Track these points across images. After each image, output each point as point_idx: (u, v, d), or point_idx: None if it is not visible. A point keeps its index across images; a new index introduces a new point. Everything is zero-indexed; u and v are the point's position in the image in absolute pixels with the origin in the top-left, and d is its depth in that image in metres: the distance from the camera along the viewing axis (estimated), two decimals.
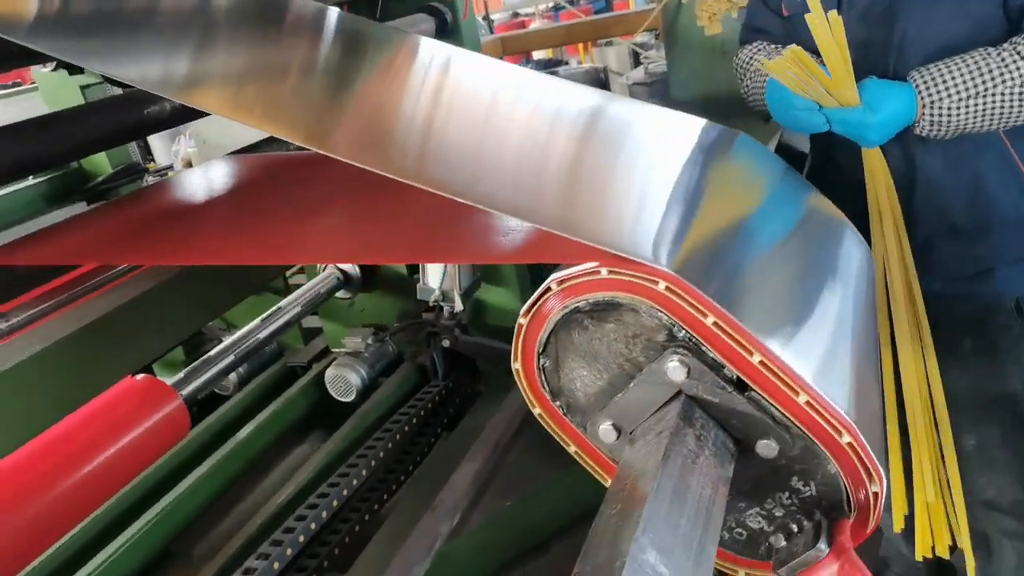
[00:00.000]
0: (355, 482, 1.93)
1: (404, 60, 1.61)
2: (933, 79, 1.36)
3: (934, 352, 1.46)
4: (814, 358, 0.88)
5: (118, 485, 1.59)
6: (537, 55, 7.26)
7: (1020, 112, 1.33)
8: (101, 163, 2.65)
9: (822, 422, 0.82)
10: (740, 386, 0.84)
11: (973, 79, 1.33)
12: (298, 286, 2.42)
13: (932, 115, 1.36)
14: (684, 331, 0.83)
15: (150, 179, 3.09)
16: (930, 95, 1.35)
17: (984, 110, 1.34)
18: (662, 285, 0.82)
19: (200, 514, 2.01)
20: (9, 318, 1.08)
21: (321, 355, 2.69)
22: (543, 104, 1.50)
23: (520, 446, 2.18)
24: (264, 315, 2.16)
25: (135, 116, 1.45)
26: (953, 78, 1.34)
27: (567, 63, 7.23)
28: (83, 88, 2.63)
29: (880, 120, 1.35)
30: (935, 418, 1.42)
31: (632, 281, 0.83)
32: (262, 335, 2.12)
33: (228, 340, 2.07)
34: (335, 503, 1.86)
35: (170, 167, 4.77)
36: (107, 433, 1.52)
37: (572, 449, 0.98)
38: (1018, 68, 1.31)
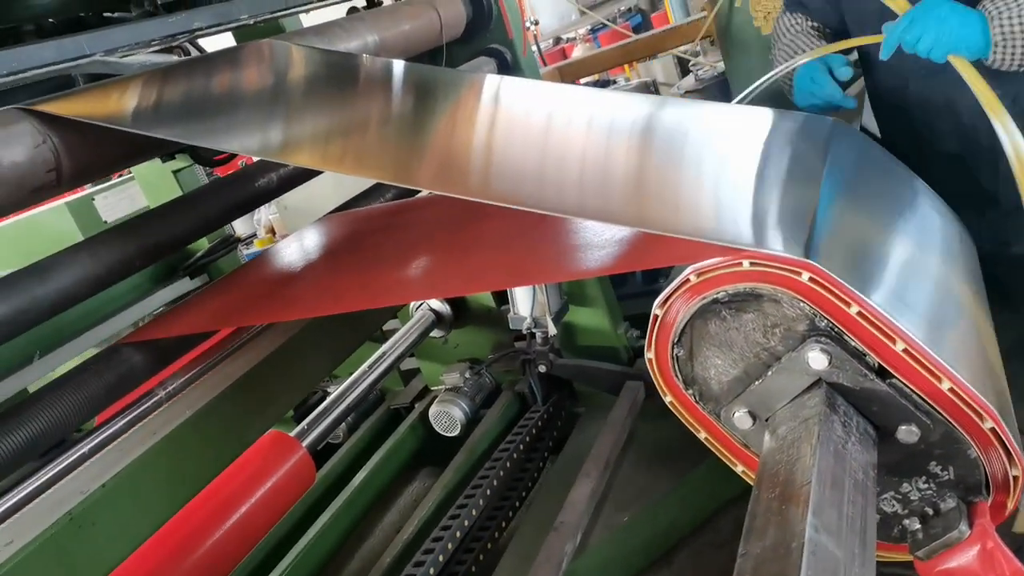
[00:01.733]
0: (474, 512, 1.98)
1: (465, 95, 1.70)
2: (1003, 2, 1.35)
3: None
4: (951, 344, 0.90)
5: (260, 534, 1.70)
6: (583, 79, 7.33)
7: None
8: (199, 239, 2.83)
9: (965, 408, 0.84)
10: (882, 373, 0.87)
11: None
12: (392, 331, 2.51)
13: (1003, 26, 1.33)
14: (826, 320, 0.86)
15: (242, 248, 3.26)
16: (995, 6, 1.35)
17: None
18: (806, 276, 0.85)
19: (331, 557, 2.09)
20: (167, 385, 1.19)
21: (421, 394, 2.77)
22: (600, 114, 1.56)
23: (629, 461, 2.20)
24: (367, 362, 2.26)
25: (238, 195, 1.57)
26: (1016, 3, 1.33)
27: (615, 82, 7.28)
28: (175, 172, 2.82)
29: (952, 12, 1.34)
30: None
31: (775, 272, 0.87)
32: (368, 381, 2.22)
33: (338, 389, 2.18)
34: (458, 534, 1.92)
35: (254, 235, 5.02)
36: (246, 486, 1.63)
37: (703, 436, 1.01)
38: None
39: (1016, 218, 1.48)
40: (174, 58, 1.92)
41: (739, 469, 1.01)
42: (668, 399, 1.01)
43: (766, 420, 0.92)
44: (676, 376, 0.98)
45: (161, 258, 1.32)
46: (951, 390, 0.83)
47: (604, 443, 2.01)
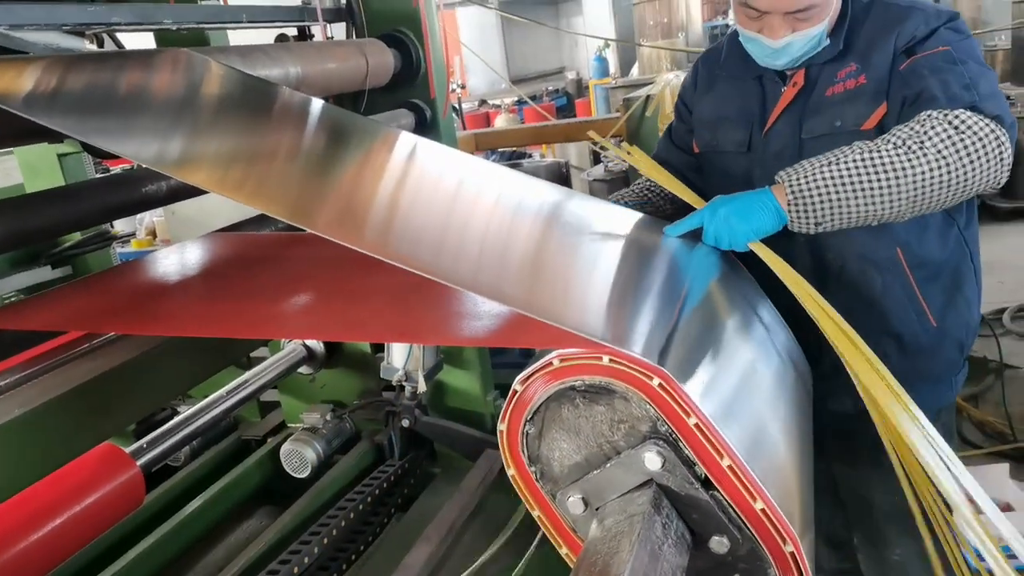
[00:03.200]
0: (306, 560, 1.92)
1: (379, 148, 1.73)
2: (792, 167, 1.47)
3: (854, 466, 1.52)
4: (773, 469, 0.98)
5: (71, 550, 1.58)
6: (500, 149, 7.54)
7: (879, 185, 1.38)
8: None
9: (772, 529, 0.91)
10: (707, 484, 0.93)
11: (827, 156, 1.44)
12: (260, 359, 2.44)
13: (792, 188, 1.42)
14: (666, 426, 0.92)
15: (116, 246, 3.10)
16: (788, 175, 1.45)
17: (840, 177, 1.40)
18: (656, 381, 0.91)
19: None
20: None
21: (277, 429, 2.69)
22: (509, 194, 1.62)
23: (474, 530, 2.20)
24: (226, 388, 2.18)
25: (125, 197, 1.52)
26: (809, 161, 1.46)
27: (530, 155, 7.52)
28: (60, 156, 2.68)
29: (734, 205, 1.44)
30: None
31: (630, 372, 0.92)
32: (223, 406, 2.14)
33: (188, 411, 2.08)
34: None
35: (132, 234, 4.80)
36: (65, 497, 1.53)
37: (536, 513, 1.05)
38: (864, 144, 1.42)
39: (835, 379, 1.52)
40: (85, 43, 1.86)
41: (563, 551, 1.04)
42: (511, 472, 1.04)
43: (596, 509, 0.97)
44: (523, 452, 1.02)
45: (26, 246, 1.26)
46: (763, 510, 0.90)
47: (451, 508, 2.01)
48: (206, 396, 2.15)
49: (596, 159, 6.50)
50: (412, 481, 2.39)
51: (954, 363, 1.72)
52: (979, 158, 1.37)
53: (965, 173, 1.37)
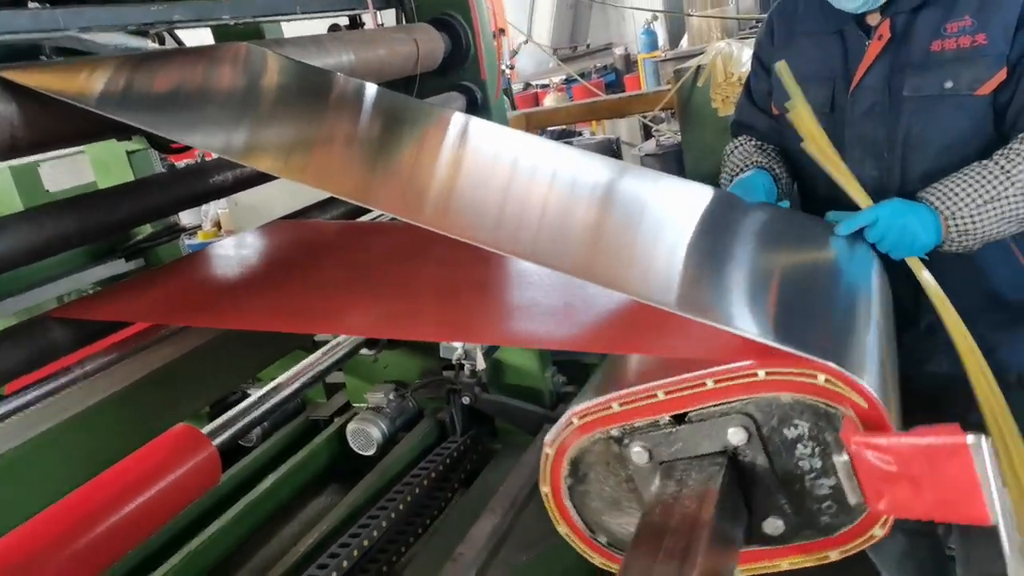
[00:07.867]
0: (375, 533, 1.99)
1: (435, 129, 1.75)
2: (944, 194, 1.42)
3: None
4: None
5: (154, 526, 1.67)
6: (549, 128, 7.50)
7: None
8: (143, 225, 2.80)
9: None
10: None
11: (983, 187, 1.40)
12: (323, 342, 2.52)
13: (957, 226, 1.41)
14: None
15: (185, 238, 3.22)
16: (948, 208, 1.41)
17: (1002, 214, 1.40)
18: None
19: (224, 560, 2.07)
20: (85, 365, 1.19)
21: (342, 410, 2.77)
22: (572, 171, 1.62)
23: (536, 503, 2.24)
24: (294, 369, 2.26)
25: (192, 188, 1.58)
26: (963, 189, 1.41)
27: (580, 133, 7.46)
28: (129, 154, 2.79)
29: (916, 215, 1.40)
30: None
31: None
32: (291, 389, 2.22)
33: (257, 393, 2.17)
34: (355, 553, 1.92)
35: (199, 226, 4.97)
36: (149, 475, 1.62)
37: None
38: (1019, 172, 1.39)
39: (930, 339, 1.54)
40: (148, 43, 1.94)
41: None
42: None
43: (660, 463, 0.97)
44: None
45: (102, 239, 1.33)
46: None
47: (514, 482, 2.05)
48: (274, 379, 2.23)
49: (647, 134, 6.42)
50: (474, 456, 2.44)
51: None
52: None
53: None
